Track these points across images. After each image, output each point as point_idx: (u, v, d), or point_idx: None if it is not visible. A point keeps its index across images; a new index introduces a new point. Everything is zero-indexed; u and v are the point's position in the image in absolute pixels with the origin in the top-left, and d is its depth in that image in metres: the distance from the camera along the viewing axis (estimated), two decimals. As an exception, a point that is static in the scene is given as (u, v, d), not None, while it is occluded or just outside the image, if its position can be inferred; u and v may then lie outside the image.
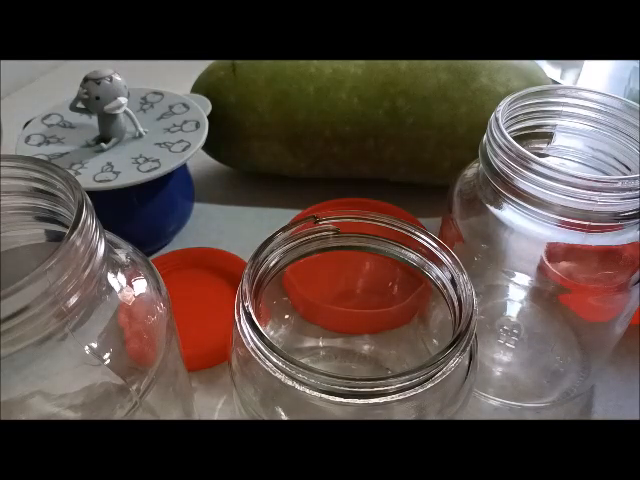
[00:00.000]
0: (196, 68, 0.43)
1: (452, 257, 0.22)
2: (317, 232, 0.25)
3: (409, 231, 0.23)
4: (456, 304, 0.21)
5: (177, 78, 0.46)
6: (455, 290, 0.21)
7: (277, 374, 0.19)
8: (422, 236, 0.23)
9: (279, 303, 0.29)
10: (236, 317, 0.21)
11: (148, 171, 0.34)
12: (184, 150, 0.36)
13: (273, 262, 0.24)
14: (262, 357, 0.19)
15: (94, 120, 0.37)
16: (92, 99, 0.35)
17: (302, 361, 0.19)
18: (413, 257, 0.24)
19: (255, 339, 0.19)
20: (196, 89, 0.43)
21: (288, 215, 0.39)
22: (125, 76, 0.36)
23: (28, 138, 0.37)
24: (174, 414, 0.25)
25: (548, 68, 0.52)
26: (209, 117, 0.39)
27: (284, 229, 0.24)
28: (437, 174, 0.41)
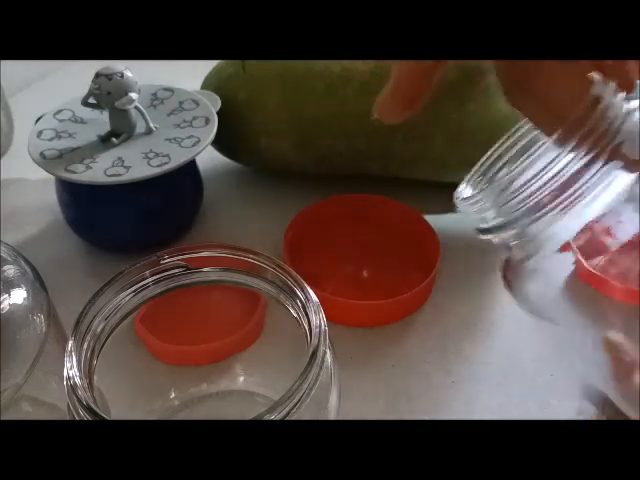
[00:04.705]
0: (206, 65, 0.43)
1: (303, 287, 0.23)
2: (163, 271, 0.25)
3: (264, 262, 0.25)
4: (306, 326, 0.23)
5: (187, 74, 0.46)
6: (307, 315, 0.23)
7: None
8: (277, 267, 0.24)
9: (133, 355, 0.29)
10: (70, 404, 0.20)
11: (158, 166, 0.35)
12: (194, 145, 0.36)
13: (111, 318, 0.24)
14: None
15: (105, 115, 0.37)
16: (103, 94, 0.35)
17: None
18: (269, 288, 0.25)
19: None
20: (206, 86, 0.43)
21: (296, 212, 0.40)
22: (136, 72, 0.36)
23: (40, 133, 0.38)
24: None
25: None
26: (218, 113, 0.39)
27: (110, 283, 0.24)
28: (445, 171, 0.41)
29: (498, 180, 0.21)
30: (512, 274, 0.24)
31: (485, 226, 0.23)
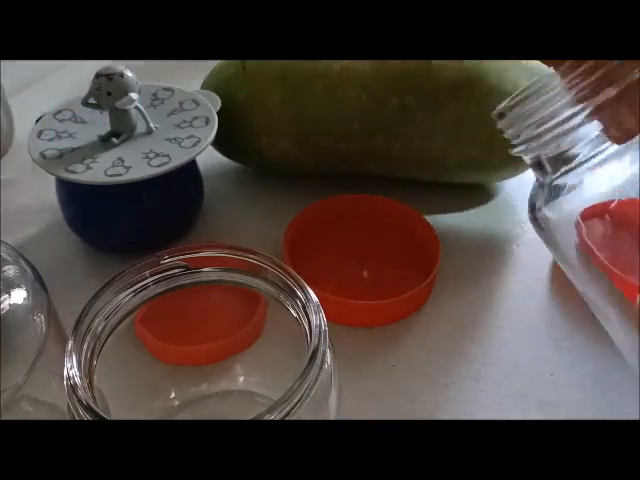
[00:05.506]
0: (206, 65, 0.43)
1: (303, 287, 0.23)
2: (163, 271, 0.25)
3: (264, 262, 0.25)
4: (306, 326, 0.23)
5: (187, 74, 0.46)
6: (307, 315, 0.23)
7: None
8: (277, 267, 0.24)
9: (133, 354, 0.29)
10: (70, 404, 0.20)
11: (159, 166, 0.35)
12: (194, 146, 0.36)
13: (112, 316, 0.24)
14: None
15: (105, 116, 0.37)
16: (104, 95, 0.35)
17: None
18: (269, 288, 0.25)
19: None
20: (206, 86, 0.43)
21: (296, 212, 0.40)
22: (136, 72, 0.36)
23: (40, 133, 0.38)
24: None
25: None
26: (218, 114, 0.39)
27: (110, 283, 0.24)
28: (445, 172, 0.41)
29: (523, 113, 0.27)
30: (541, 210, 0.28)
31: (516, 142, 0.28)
